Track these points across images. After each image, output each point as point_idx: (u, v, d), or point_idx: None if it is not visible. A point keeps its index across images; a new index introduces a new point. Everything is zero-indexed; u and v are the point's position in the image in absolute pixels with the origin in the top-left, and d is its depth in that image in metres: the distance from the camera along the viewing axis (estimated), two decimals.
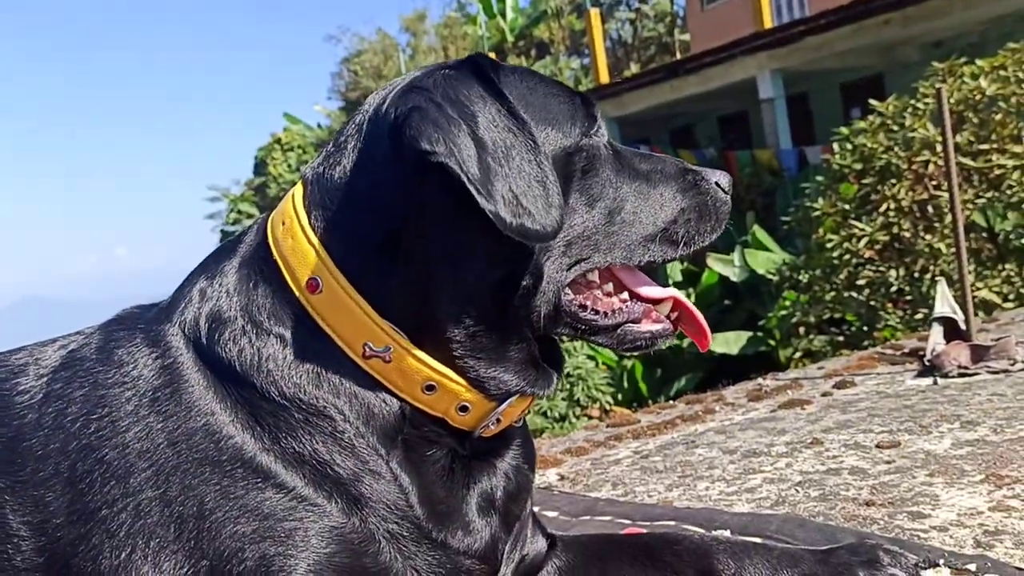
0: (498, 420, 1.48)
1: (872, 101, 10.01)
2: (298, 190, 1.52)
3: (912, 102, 9.71)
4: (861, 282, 9.74)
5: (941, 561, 1.63)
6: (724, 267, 13.06)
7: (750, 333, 11.76)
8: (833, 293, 10.04)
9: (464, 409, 1.44)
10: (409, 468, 1.42)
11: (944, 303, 3.64)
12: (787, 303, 10.74)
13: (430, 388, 1.42)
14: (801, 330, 10.45)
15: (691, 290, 13.40)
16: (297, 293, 1.43)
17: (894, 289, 9.53)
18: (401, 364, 1.40)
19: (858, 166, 10.01)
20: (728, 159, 15.77)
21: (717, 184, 1.61)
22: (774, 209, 14.41)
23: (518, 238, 1.31)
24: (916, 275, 9.38)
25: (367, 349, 1.40)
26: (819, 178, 10.75)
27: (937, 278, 4.20)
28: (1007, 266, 9.00)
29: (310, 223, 1.45)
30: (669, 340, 1.58)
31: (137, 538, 1.34)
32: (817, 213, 10.25)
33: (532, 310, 1.44)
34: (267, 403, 1.39)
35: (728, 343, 11.75)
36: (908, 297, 9.44)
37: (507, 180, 1.31)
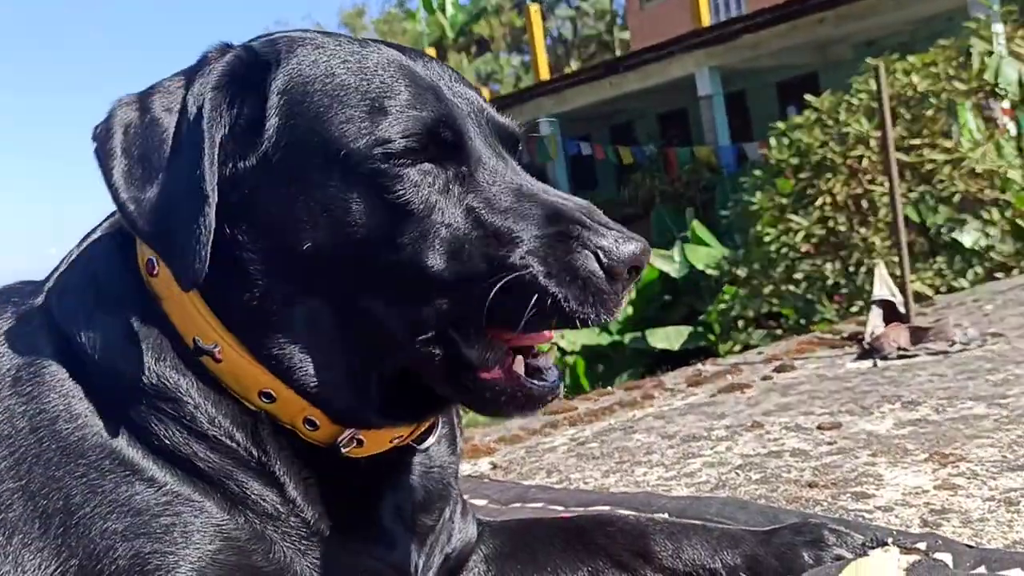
0: (360, 442, 1.29)
1: (808, 96, 10.10)
2: None
3: (846, 98, 9.84)
4: (798, 276, 9.82)
5: (889, 540, 1.53)
6: (664, 263, 13.10)
7: (690, 328, 11.80)
8: (771, 287, 10.11)
9: (312, 424, 1.27)
10: (290, 470, 1.27)
11: (883, 286, 3.61)
12: (726, 297, 10.79)
13: (268, 396, 1.25)
14: (740, 324, 10.50)
15: (631, 287, 13.40)
16: (141, 272, 1.30)
17: (830, 282, 9.63)
18: (232, 367, 1.24)
19: (795, 161, 10.11)
20: (668, 156, 15.83)
21: (602, 252, 1.12)
22: (713, 205, 14.51)
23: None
24: (851, 269, 9.49)
25: (195, 344, 1.24)
26: (757, 172, 10.83)
27: (875, 263, 4.18)
28: (939, 259, 9.14)
29: None
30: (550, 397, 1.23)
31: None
32: (755, 208, 10.32)
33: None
34: (120, 386, 1.24)
35: (668, 338, 11.77)
36: (844, 290, 9.54)
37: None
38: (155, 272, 1.27)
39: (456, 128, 1.22)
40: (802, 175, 10.10)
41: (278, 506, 1.25)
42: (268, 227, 1.21)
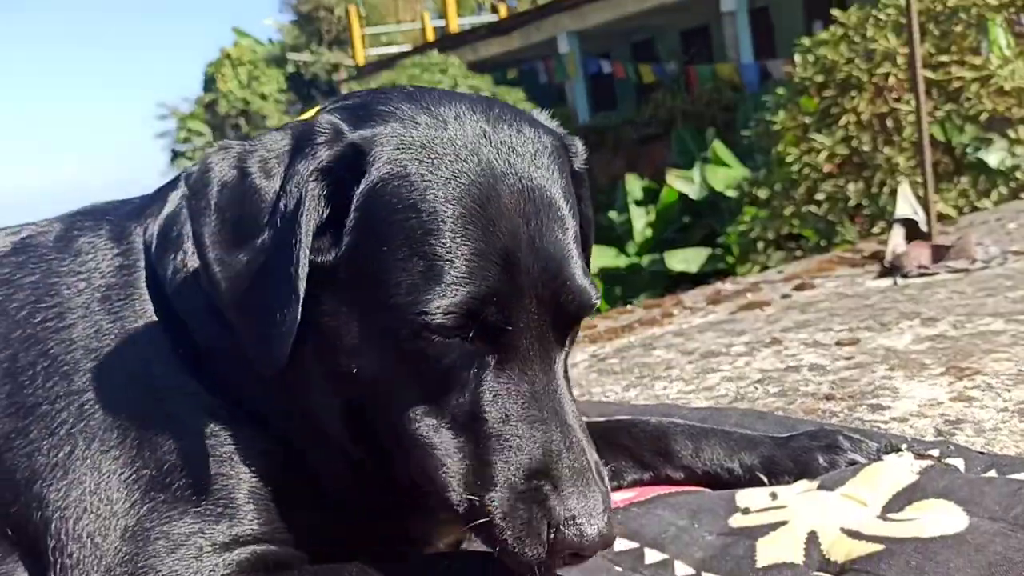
0: None
1: (834, 11, 9.85)
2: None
3: (874, 13, 9.58)
4: (820, 196, 9.74)
5: (903, 446, 1.58)
6: (684, 184, 13.01)
7: (709, 250, 11.78)
8: (792, 208, 10.03)
9: None
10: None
11: (906, 204, 3.60)
12: (746, 219, 10.74)
13: None
14: (759, 245, 10.47)
15: (651, 207, 13.35)
16: None
17: (852, 203, 9.55)
18: None
19: (819, 78, 9.91)
20: (689, 74, 15.56)
21: (560, 527, 1.08)
22: (735, 125, 14.30)
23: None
24: (874, 189, 9.39)
25: None
26: (780, 91, 10.65)
27: (898, 183, 4.15)
28: (963, 179, 9.03)
29: None
30: None
31: (78, 439, 1.26)
32: (777, 127, 10.17)
33: None
34: (200, 337, 1.32)
35: (687, 260, 11.77)
36: (866, 211, 9.46)
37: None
38: None
39: (505, 312, 1.11)
40: (826, 93, 9.91)
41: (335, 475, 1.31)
42: (319, 328, 1.18)
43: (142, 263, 1.37)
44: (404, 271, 1.11)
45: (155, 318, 1.33)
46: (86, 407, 1.28)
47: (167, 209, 1.40)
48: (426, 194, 1.12)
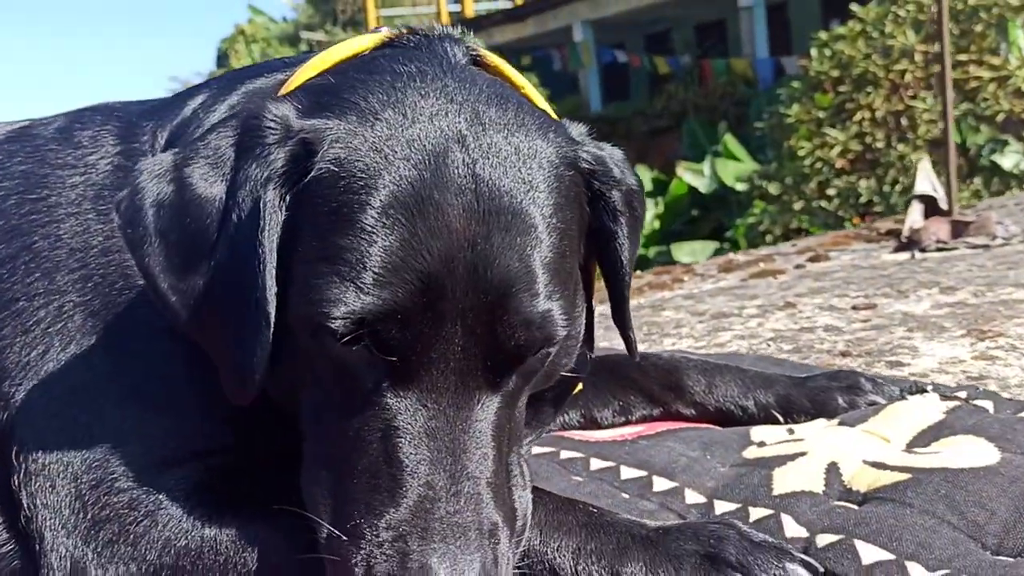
0: None
1: (853, 6, 9.76)
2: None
3: (893, 9, 9.49)
4: (831, 192, 9.66)
5: (929, 388, 1.51)
6: (693, 177, 12.91)
7: (716, 244, 11.70)
8: (802, 203, 9.96)
9: None
10: None
11: (925, 180, 3.51)
12: (755, 211, 10.65)
13: None
14: (767, 239, 10.39)
15: (659, 199, 13.26)
16: None
17: (863, 200, 9.47)
18: None
19: (835, 73, 9.83)
20: (703, 67, 15.45)
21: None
22: (747, 119, 14.20)
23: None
24: (886, 187, 9.32)
25: None
26: (795, 84, 10.56)
27: (920, 160, 4.07)
28: (976, 180, 8.95)
29: None
30: None
31: (54, 339, 1.19)
32: (791, 120, 10.10)
33: None
34: None
35: (694, 253, 11.67)
36: (877, 209, 9.38)
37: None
38: None
39: (410, 335, 0.97)
40: (842, 88, 9.84)
41: None
42: None
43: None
44: (317, 271, 0.99)
45: None
46: (65, 308, 1.20)
47: (184, 113, 1.32)
48: (358, 197, 0.99)
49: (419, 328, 0.97)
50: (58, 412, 1.16)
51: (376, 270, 0.96)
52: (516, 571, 1.00)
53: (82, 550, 1.08)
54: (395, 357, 0.97)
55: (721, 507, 1.24)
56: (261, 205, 0.99)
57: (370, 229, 0.97)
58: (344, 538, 0.96)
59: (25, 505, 1.11)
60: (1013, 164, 8.75)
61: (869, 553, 1.07)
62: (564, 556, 1.06)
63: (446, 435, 0.98)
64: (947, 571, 1.02)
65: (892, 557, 1.05)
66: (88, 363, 1.17)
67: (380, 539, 0.94)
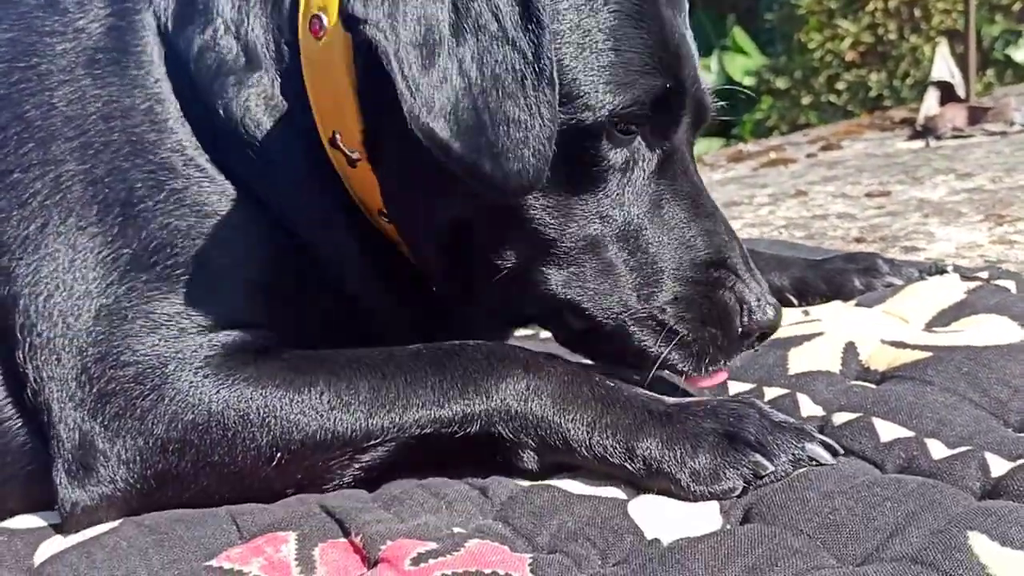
0: None
1: None
2: None
3: None
4: (840, 86, 9.45)
5: (950, 268, 1.46)
6: (701, 72, 12.62)
7: (722, 140, 11.51)
8: (811, 98, 9.75)
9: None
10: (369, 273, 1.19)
11: (943, 65, 3.39)
12: (763, 107, 10.45)
13: (387, 217, 1.15)
14: (775, 134, 10.22)
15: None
16: (300, 23, 1.13)
17: (873, 94, 9.26)
18: (364, 176, 1.13)
19: None
20: None
21: (747, 309, 1.09)
22: (757, 11, 13.78)
23: (465, 178, 0.98)
24: (896, 81, 9.10)
25: (337, 137, 1.11)
26: None
27: (938, 45, 3.92)
28: (988, 73, 8.72)
29: None
30: None
31: (52, 212, 1.13)
32: (802, 11, 9.80)
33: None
34: (213, 113, 1.15)
35: (699, 150, 11.53)
36: (887, 103, 9.18)
37: (473, 92, 0.96)
38: (320, 34, 1.10)
39: (677, 109, 1.08)
40: None
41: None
42: None
43: (144, 28, 1.19)
44: (586, 63, 1.02)
45: (156, 88, 1.17)
46: (63, 179, 1.14)
47: None
48: None
49: (681, 102, 1.08)
50: (61, 284, 1.11)
51: (648, 53, 1.03)
52: None
53: (89, 423, 1.06)
54: (662, 138, 1.08)
55: (735, 387, 1.21)
56: None
57: (630, 16, 1.04)
58: (672, 299, 1.08)
59: (32, 378, 1.08)
60: None
61: (888, 430, 1.04)
62: (579, 428, 1.03)
63: (702, 194, 1.14)
64: (968, 447, 0.99)
65: (912, 434, 1.03)
66: (91, 233, 1.12)
67: (704, 283, 1.09)
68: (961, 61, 3.45)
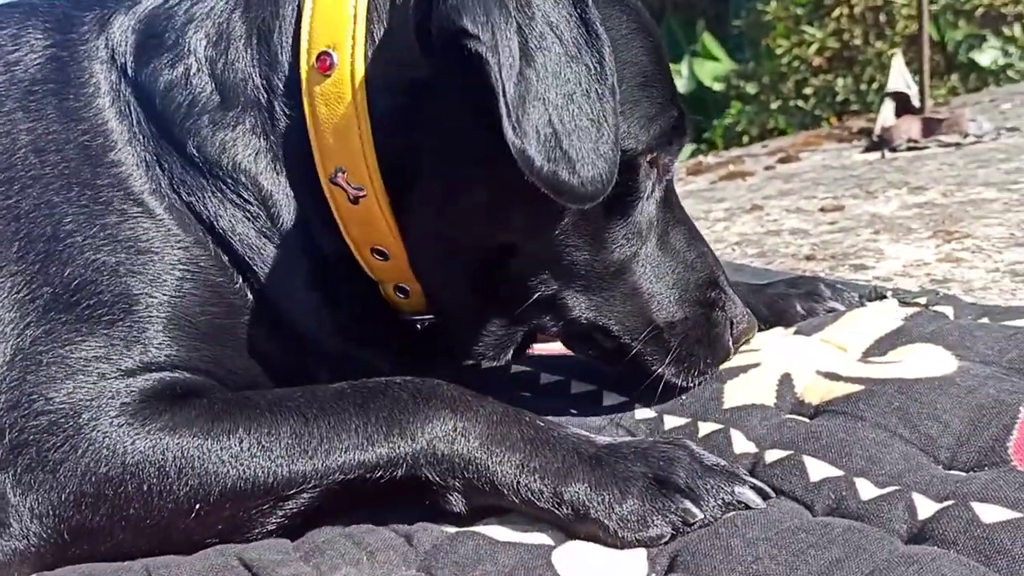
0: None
1: None
2: None
3: None
4: (808, 91, 9.52)
5: (888, 294, 1.46)
6: None
7: (693, 145, 11.55)
8: (780, 102, 9.82)
9: (403, 292, 1.18)
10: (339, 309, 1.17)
11: (899, 76, 3.41)
12: (732, 112, 10.50)
13: (382, 255, 1.13)
14: (744, 140, 10.27)
15: None
16: (304, 60, 1.10)
17: (840, 99, 9.34)
18: (367, 214, 1.11)
19: None
20: None
21: (732, 324, 1.23)
22: (726, 17, 13.87)
23: (546, 189, 0.98)
24: (863, 86, 9.18)
25: (338, 174, 1.09)
26: None
27: (893, 56, 3.95)
28: (953, 77, 8.82)
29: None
30: None
31: None
32: (769, 17, 9.87)
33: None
34: (178, 152, 1.12)
35: None
36: (854, 108, 9.25)
37: (549, 109, 0.98)
38: (329, 71, 1.08)
39: (683, 136, 1.19)
40: None
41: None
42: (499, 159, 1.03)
43: (90, 59, 1.14)
44: (624, 97, 1.07)
45: (98, 121, 1.12)
46: None
47: (150, 2, 1.19)
48: (642, 20, 1.13)
49: (686, 132, 1.18)
50: None
51: (668, 86, 1.13)
52: None
53: (0, 476, 1.02)
54: (667, 168, 1.17)
55: (671, 421, 1.19)
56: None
57: (658, 50, 1.14)
58: (683, 317, 1.18)
59: None
60: (991, 60, 8.59)
61: (818, 469, 1.03)
62: (506, 471, 1.01)
63: (689, 220, 1.26)
64: (896, 487, 0.98)
65: (841, 473, 1.01)
66: (9, 272, 1.07)
67: (703, 303, 1.20)
68: (919, 69, 3.47)
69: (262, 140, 1.13)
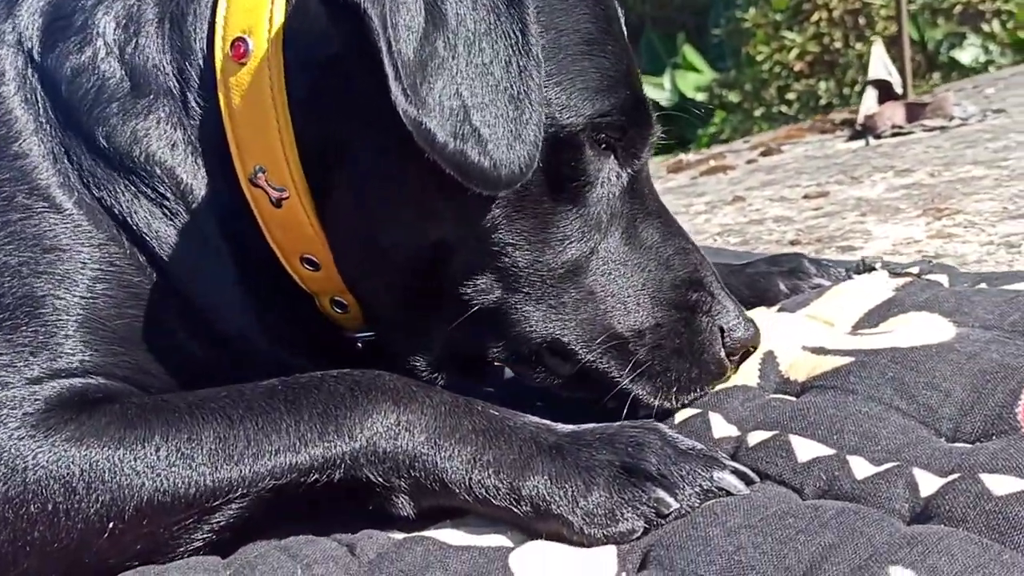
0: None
1: None
2: None
3: None
4: (791, 96, 9.48)
5: (878, 265, 1.36)
6: (654, 91, 12.62)
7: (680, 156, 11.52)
8: (763, 109, 9.78)
9: (341, 307, 1.06)
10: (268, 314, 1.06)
11: (879, 65, 3.33)
12: (716, 121, 10.47)
13: (312, 264, 1.02)
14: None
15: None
16: (218, 47, 1.00)
17: (823, 103, 9.31)
18: (292, 218, 1.00)
19: None
20: None
21: (725, 331, 1.03)
22: (706, 29, 13.90)
23: (452, 170, 0.87)
24: (846, 89, 9.15)
25: (258, 174, 0.99)
26: None
27: (873, 44, 3.87)
28: (935, 76, 8.79)
29: None
30: None
31: None
32: (748, 24, 9.86)
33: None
34: (87, 143, 1.02)
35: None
36: (837, 110, 9.23)
37: (459, 79, 0.87)
38: (244, 58, 0.98)
39: (646, 124, 1.03)
40: None
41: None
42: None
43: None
44: (561, 65, 0.95)
45: (1, 109, 1.03)
46: None
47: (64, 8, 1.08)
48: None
49: (648, 115, 1.03)
50: None
51: (628, 64, 1.00)
52: None
53: None
54: (633, 156, 1.02)
55: (643, 411, 1.08)
56: None
57: (612, 25, 1.00)
58: (651, 324, 1.01)
59: None
60: (972, 58, 8.56)
61: (806, 449, 0.92)
62: (456, 467, 0.90)
63: (667, 213, 1.08)
64: (895, 463, 0.87)
65: (832, 452, 0.91)
66: None
67: (683, 306, 1.03)
68: (900, 63, 3.39)
69: (178, 132, 1.03)
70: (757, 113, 9.82)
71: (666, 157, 10.25)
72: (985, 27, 8.57)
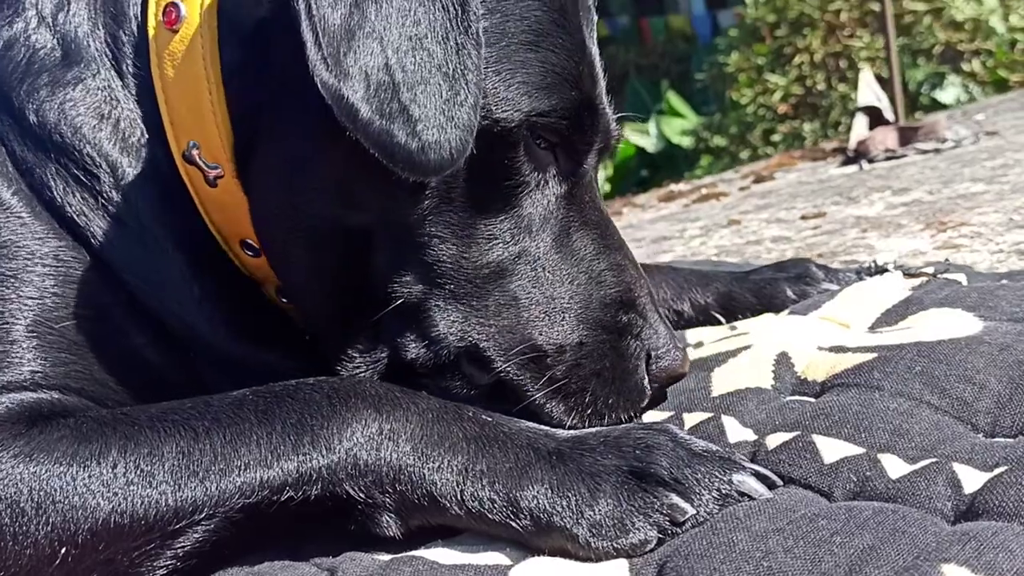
0: None
1: None
2: None
3: None
4: (776, 138, 9.54)
5: (891, 266, 1.28)
6: (639, 138, 12.70)
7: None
8: (748, 152, 9.83)
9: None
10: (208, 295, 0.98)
11: (868, 91, 3.31)
12: (703, 164, 10.51)
13: (252, 249, 0.96)
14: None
15: (608, 162, 13.07)
16: (151, 13, 0.94)
17: (808, 143, 9.35)
18: (228, 199, 0.93)
19: (771, 18, 9.68)
20: (642, 26, 15.26)
21: (653, 356, 0.95)
22: (689, 76, 14.06)
23: (375, 150, 0.80)
24: (830, 130, 9.21)
25: (192, 150, 0.92)
26: (732, 32, 10.41)
27: (862, 72, 3.85)
28: (917, 115, 8.87)
29: None
30: None
31: None
32: (730, 69, 9.94)
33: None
34: (18, 124, 0.95)
35: None
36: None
37: (388, 51, 0.80)
38: (177, 24, 0.92)
39: (592, 127, 0.96)
40: (779, 33, 9.69)
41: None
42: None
43: None
44: (502, 54, 0.88)
45: None
46: None
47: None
48: None
49: (596, 119, 0.95)
50: None
51: (577, 62, 0.92)
52: None
53: None
54: (574, 160, 0.95)
55: (649, 417, 1.00)
56: None
57: (565, 14, 0.92)
58: (574, 342, 0.93)
59: None
60: (953, 98, 8.61)
61: (832, 449, 0.84)
62: (446, 478, 0.81)
63: (610, 226, 1.00)
64: (932, 459, 0.79)
65: (861, 451, 0.82)
66: None
67: (611, 327, 0.94)
68: (891, 93, 3.37)
69: (109, 103, 0.95)
70: (743, 155, 9.87)
71: (656, 189, 10.27)
72: (966, 67, 8.66)
